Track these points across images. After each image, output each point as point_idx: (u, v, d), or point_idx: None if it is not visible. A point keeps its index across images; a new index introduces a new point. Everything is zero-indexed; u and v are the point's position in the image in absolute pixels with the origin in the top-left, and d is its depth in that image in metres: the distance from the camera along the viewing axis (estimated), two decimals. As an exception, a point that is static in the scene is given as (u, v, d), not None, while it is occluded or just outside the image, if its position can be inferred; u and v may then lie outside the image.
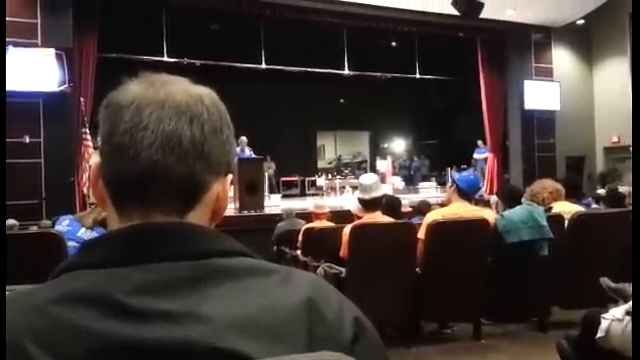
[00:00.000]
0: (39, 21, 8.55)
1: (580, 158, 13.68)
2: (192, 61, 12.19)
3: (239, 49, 12.47)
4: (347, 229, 3.58)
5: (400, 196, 10.72)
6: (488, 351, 3.65)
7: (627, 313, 2.24)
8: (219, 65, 12.43)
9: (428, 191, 14.41)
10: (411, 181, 16.39)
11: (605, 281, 2.93)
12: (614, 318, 2.36)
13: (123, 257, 0.59)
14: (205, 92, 0.69)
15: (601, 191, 7.93)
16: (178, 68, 12.04)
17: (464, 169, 14.40)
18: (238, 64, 12.69)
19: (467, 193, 3.76)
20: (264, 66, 12.53)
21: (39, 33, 8.54)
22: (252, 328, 0.57)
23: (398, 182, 15.21)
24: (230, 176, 0.71)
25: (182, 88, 0.67)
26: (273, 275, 0.63)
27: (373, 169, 16.40)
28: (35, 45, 8.49)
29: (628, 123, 12.34)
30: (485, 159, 13.71)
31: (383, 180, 14.67)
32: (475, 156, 14.31)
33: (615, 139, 13.15)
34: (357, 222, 3.69)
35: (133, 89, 0.66)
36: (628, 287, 2.63)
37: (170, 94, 0.65)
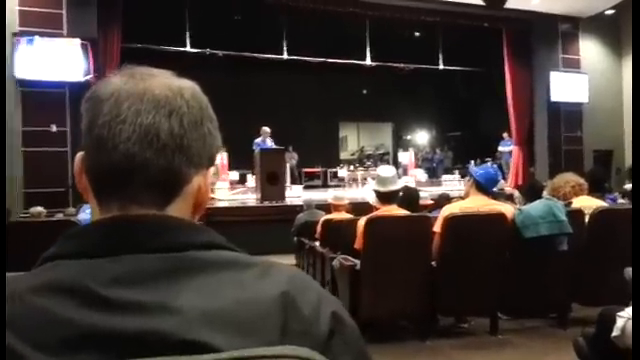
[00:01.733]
0: (64, 12, 8.70)
1: (608, 152, 13.35)
2: (215, 52, 12.27)
3: (261, 40, 12.48)
4: (362, 221, 3.57)
5: (422, 189, 10.68)
6: (504, 346, 3.61)
7: (644, 312, 2.18)
8: (241, 56, 12.49)
9: (451, 184, 14.24)
10: (434, 173, 16.23)
11: (628, 272, 2.86)
12: (630, 317, 2.30)
13: (100, 248, 0.60)
14: (186, 85, 0.69)
15: (628, 186, 7.73)
16: (201, 59, 12.15)
17: (488, 162, 14.26)
18: (260, 55, 12.70)
19: (485, 187, 3.70)
20: (286, 57, 12.52)
21: (64, 24, 8.70)
22: (224, 321, 0.57)
23: (421, 174, 15.07)
24: (212, 169, 0.71)
25: (162, 81, 0.67)
26: (251, 269, 0.63)
27: (395, 161, 16.30)
28: (61, 35, 8.64)
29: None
30: (510, 152, 13.50)
31: (405, 172, 14.58)
32: (500, 149, 14.10)
33: (645, 132, 12.79)
34: (372, 214, 3.67)
35: (114, 82, 0.66)
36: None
37: (149, 87, 0.65)
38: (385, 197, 3.74)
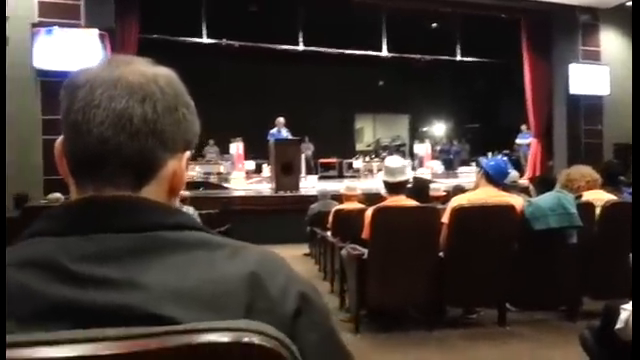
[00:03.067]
0: (82, 2, 8.78)
1: (629, 146, 13.07)
2: (231, 42, 12.31)
3: (278, 31, 12.48)
4: (369, 211, 3.58)
5: (438, 180, 10.63)
6: (512, 338, 3.60)
7: (648, 304, 2.16)
8: (258, 47, 12.51)
9: (468, 176, 14.12)
10: (451, 165, 16.12)
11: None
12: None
13: (73, 227, 0.63)
14: (162, 72, 0.71)
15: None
16: (217, 49, 12.20)
17: (505, 154, 14.10)
18: (277, 46, 12.70)
19: (494, 178, 3.67)
20: (302, 48, 12.50)
21: (82, 14, 8.78)
22: (190, 297, 0.59)
23: (437, 166, 14.97)
24: (188, 154, 0.73)
25: (137, 69, 0.69)
26: (222, 249, 0.66)
27: (412, 153, 16.23)
28: (79, 26, 8.74)
29: (682, 109, 11.73)
30: (528, 144, 13.31)
31: (421, 164, 14.52)
32: (518, 141, 13.92)
33: (668, 125, 12.51)
34: (379, 204, 3.68)
35: (90, 70, 0.69)
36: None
37: (124, 74, 0.68)
38: (393, 187, 3.74)
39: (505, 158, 3.88)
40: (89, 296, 0.57)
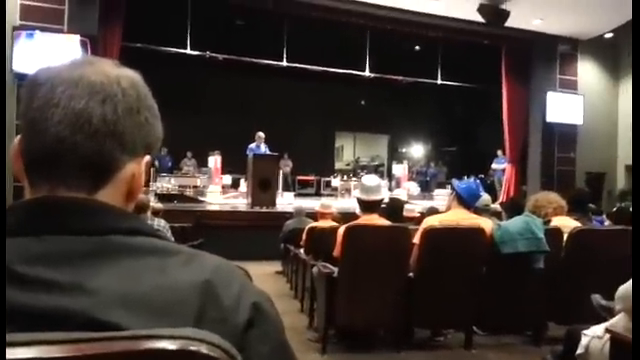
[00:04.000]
0: (66, 7, 8.73)
1: (600, 174, 13.41)
2: (215, 55, 12.31)
3: (262, 45, 12.52)
4: (342, 229, 3.59)
5: (413, 202, 10.69)
6: (477, 361, 3.63)
7: (607, 331, 2.21)
8: (241, 60, 12.53)
9: (443, 198, 14.23)
10: (427, 187, 16.27)
11: (596, 298, 2.89)
12: (594, 335, 2.34)
13: (25, 227, 0.62)
14: (125, 74, 0.71)
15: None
16: (201, 61, 12.19)
17: (481, 178, 14.31)
18: (260, 60, 12.75)
19: (466, 201, 3.73)
20: (285, 64, 12.57)
21: (65, 19, 8.72)
22: (139, 304, 0.59)
23: (414, 187, 15.11)
24: (147, 158, 0.72)
25: (101, 69, 0.69)
26: (176, 256, 0.65)
27: (390, 173, 16.35)
28: (61, 31, 8.67)
29: (652, 142, 12.09)
30: (503, 170, 13.55)
31: (398, 184, 14.64)
32: (493, 166, 14.15)
33: (638, 157, 12.86)
34: (352, 223, 3.70)
35: (53, 68, 0.69)
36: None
37: (85, 74, 0.67)
38: (367, 206, 3.77)
39: (478, 181, 3.91)
40: (35, 299, 0.56)
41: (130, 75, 0.71)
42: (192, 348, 0.55)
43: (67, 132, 0.64)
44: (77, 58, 0.71)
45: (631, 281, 2.04)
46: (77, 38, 8.60)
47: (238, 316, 0.63)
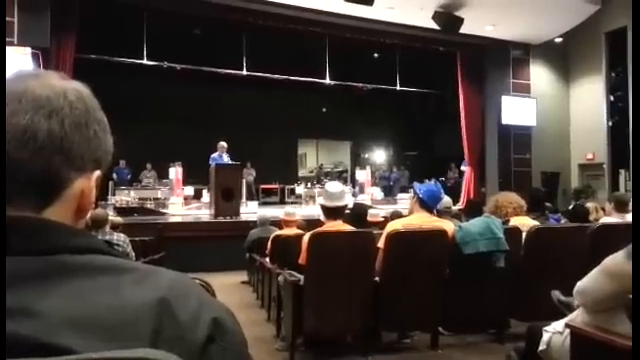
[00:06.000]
0: (16, 19, 8.47)
1: (555, 174, 13.88)
2: (173, 65, 12.16)
3: (221, 55, 12.48)
4: (306, 237, 3.58)
5: (378, 206, 10.79)
6: (443, 361, 3.67)
7: (567, 326, 2.27)
8: (200, 70, 12.43)
9: (407, 202, 14.40)
10: (390, 192, 16.46)
11: (556, 294, 2.97)
12: (555, 331, 2.39)
13: None
14: (72, 87, 0.68)
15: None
16: (158, 72, 12.02)
17: (442, 182, 14.55)
18: (220, 70, 12.66)
19: (427, 204, 3.78)
20: (246, 73, 12.53)
21: (15, 32, 8.46)
22: (90, 326, 0.56)
23: (377, 192, 15.28)
24: (98, 172, 0.70)
25: (46, 82, 0.66)
26: (129, 274, 0.63)
27: (353, 179, 16.46)
28: (11, 44, 8.40)
29: (603, 141, 12.62)
30: (467, 172, 13.84)
31: (362, 190, 14.75)
32: (462, 168, 14.44)
33: (590, 156, 13.38)
34: (316, 230, 3.69)
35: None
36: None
37: (30, 87, 0.65)
38: (331, 212, 3.77)
39: (439, 184, 3.97)
40: None
41: (77, 87, 0.69)
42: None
43: (11, 148, 0.62)
44: (22, 71, 0.68)
45: (588, 276, 2.10)
46: (28, 51, 8.35)
47: (197, 332, 0.61)
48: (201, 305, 0.64)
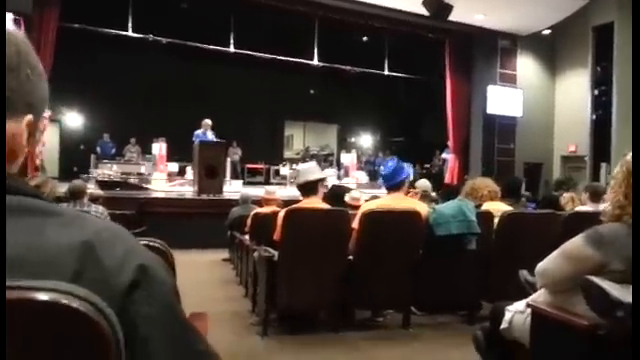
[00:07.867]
0: (-3, -17, 8.26)
1: (538, 165, 14.02)
2: (158, 38, 11.98)
3: (208, 31, 12.28)
4: (282, 213, 3.60)
5: (362, 190, 10.82)
6: (413, 340, 3.73)
7: (528, 305, 2.32)
8: (186, 45, 12.24)
9: (390, 187, 14.50)
10: (375, 176, 16.50)
11: (523, 274, 3.02)
12: (517, 310, 2.45)
13: None
14: (4, 30, 0.68)
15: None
16: (143, 44, 11.83)
17: (426, 168, 14.66)
18: (206, 45, 12.50)
19: (389, 181, 3.81)
20: (233, 50, 12.39)
21: (-3, -3, 8.26)
22: (14, 264, 0.58)
23: (362, 177, 15.30)
24: (29, 117, 0.70)
25: None
26: (55, 217, 0.64)
27: (339, 162, 16.47)
28: (-8, 9, 8.21)
29: (585, 133, 12.76)
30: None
31: (347, 174, 14.77)
32: (443, 156, 14.54)
33: (572, 148, 13.53)
34: (291, 206, 3.71)
35: None
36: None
37: None
38: (304, 189, 3.79)
39: (403, 163, 3.95)
40: None
41: (10, 31, 0.69)
42: (63, 300, 0.55)
43: None
44: None
45: (548, 258, 2.15)
46: (10, 17, 8.15)
47: (121, 277, 0.62)
48: (128, 252, 0.65)
